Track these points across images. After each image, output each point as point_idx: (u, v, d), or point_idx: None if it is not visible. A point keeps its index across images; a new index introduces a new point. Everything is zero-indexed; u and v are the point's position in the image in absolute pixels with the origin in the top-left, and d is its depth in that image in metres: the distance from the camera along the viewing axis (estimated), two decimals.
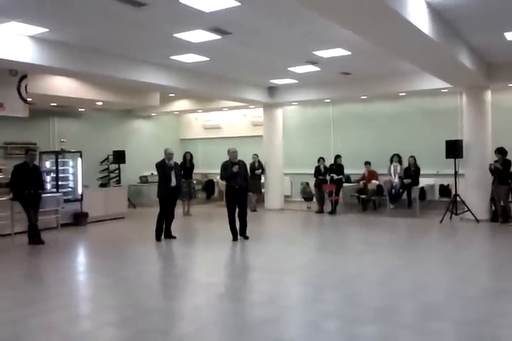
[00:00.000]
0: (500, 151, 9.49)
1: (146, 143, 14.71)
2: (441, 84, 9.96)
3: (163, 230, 8.22)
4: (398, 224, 10.04)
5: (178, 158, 11.70)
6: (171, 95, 13.50)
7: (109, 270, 6.24)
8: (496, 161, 9.53)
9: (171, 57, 8.59)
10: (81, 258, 7.59)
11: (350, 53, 8.40)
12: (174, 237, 8.26)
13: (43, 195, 8.47)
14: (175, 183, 8.21)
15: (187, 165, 11.79)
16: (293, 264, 6.39)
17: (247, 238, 8.04)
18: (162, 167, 8.14)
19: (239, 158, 8.10)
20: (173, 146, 15.58)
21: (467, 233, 8.97)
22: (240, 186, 7.87)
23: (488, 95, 10.01)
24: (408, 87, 10.74)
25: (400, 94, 11.40)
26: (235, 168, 7.80)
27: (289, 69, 9.90)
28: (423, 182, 11.18)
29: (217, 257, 7.02)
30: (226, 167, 7.91)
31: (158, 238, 8.09)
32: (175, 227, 8.52)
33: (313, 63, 9.26)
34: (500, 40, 7.69)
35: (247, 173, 8.37)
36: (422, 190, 11.22)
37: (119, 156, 12.94)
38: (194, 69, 9.77)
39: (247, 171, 8.42)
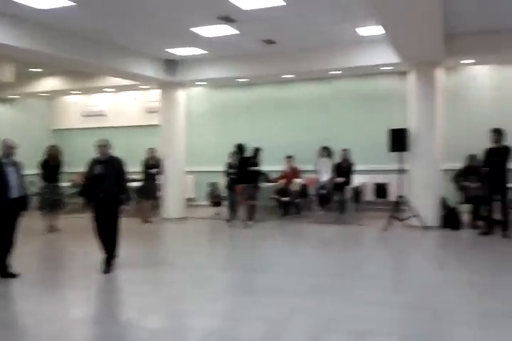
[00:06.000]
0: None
1: (3, 136, 11.13)
2: (387, 59, 8.09)
3: None
4: (333, 234, 7.95)
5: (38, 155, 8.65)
6: (34, 70, 10.21)
7: None
8: None
9: None
10: None
11: (284, 4, 5.91)
12: (14, 276, 5.32)
13: None
14: (17, 194, 5.28)
15: (51, 163, 8.47)
16: None
17: (109, 267, 5.55)
18: None
19: (123, 153, 6.04)
20: (43, 139, 12.19)
21: (432, 245, 7.14)
22: (107, 194, 5.59)
23: (440, 74, 8.26)
24: (345, 63, 8.60)
25: (334, 72, 9.22)
26: (97, 169, 5.65)
27: (192, 29, 7.15)
28: (355, 180, 9.25)
29: (68, 315, 4.23)
30: (91, 167, 5.72)
31: None
32: (25, 253, 6.01)
33: (229, 20, 6.62)
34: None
35: (123, 175, 5.83)
36: (356, 190, 9.27)
37: None
38: (55, 25, 6.72)
39: (123, 172, 5.84)
